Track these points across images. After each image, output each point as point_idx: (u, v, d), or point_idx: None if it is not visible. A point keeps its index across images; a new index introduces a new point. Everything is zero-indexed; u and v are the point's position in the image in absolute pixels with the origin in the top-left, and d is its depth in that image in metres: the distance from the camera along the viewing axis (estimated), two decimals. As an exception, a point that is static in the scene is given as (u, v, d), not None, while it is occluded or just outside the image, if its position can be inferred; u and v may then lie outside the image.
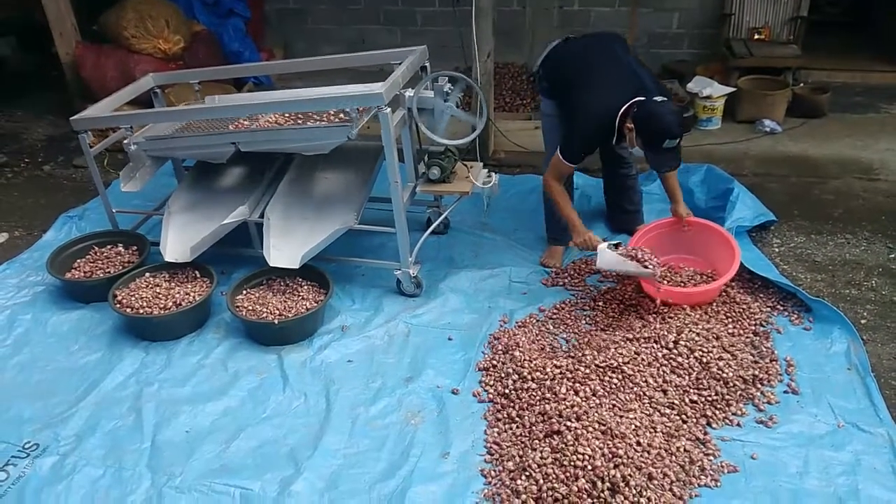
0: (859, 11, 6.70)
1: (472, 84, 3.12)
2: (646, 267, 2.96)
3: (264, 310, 3.11)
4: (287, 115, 3.44)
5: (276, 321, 3.02)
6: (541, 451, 2.40)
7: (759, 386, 2.72)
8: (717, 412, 2.61)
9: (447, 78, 3.14)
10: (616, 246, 3.01)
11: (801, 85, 5.38)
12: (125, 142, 3.42)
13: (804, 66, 5.53)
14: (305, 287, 3.26)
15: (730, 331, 2.96)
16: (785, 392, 2.71)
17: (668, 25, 5.90)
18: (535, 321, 3.16)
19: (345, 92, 3.09)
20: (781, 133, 4.93)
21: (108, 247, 3.63)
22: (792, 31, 5.56)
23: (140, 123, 3.57)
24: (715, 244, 3.27)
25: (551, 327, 3.12)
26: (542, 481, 2.30)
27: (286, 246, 3.25)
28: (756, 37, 5.54)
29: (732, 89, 5.00)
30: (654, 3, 5.80)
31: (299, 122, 3.37)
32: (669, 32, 5.94)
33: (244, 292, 3.25)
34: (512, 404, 2.67)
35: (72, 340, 3.16)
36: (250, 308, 3.14)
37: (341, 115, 3.26)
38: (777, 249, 3.64)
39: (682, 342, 2.82)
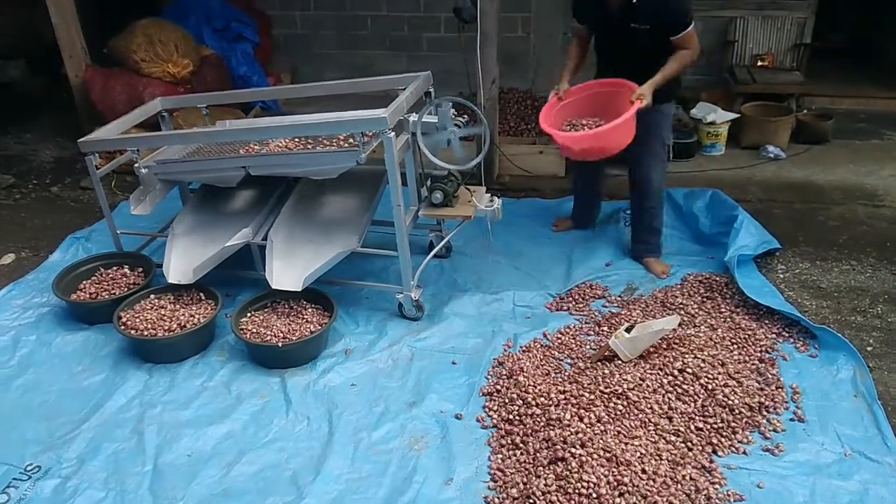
0: (862, 39, 6.75)
1: (477, 111, 3.17)
2: None
3: (268, 332, 3.10)
4: (297, 139, 3.47)
5: (280, 344, 3.02)
6: (545, 479, 2.37)
7: (765, 413, 2.70)
8: (723, 440, 2.59)
9: (450, 104, 3.17)
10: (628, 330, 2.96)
11: (805, 111, 5.41)
12: (136, 165, 3.44)
13: (807, 93, 5.58)
14: (310, 310, 3.26)
15: (735, 357, 2.95)
16: (791, 420, 2.69)
17: (672, 52, 5.94)
18: (539, 346, 3.15)
19: (350, 117, 3.12)
20: (785, 159, 4.95)
21: (114, 268, 3.64)
22: (795, 58, 5.61)
23: (147, 146, 3.60)
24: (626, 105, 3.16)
25: (556, 352, 3.11)
26: (546, 509, 2.28)
27: (289, 268, 3.26)
28: (759, 63, 5.59)
29: (736, 115, 5.03)
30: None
31: (309, 146, 3.39)
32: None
33: (248, 315, 3.25)
34: (516, 430, 2.65)
35: (76, 362, 3.16)
36: (254, 331, 3.13)
37: (350, 140, 3.29)
38: (782, 276, 3.63)
39: (687, 369, 2.81)
